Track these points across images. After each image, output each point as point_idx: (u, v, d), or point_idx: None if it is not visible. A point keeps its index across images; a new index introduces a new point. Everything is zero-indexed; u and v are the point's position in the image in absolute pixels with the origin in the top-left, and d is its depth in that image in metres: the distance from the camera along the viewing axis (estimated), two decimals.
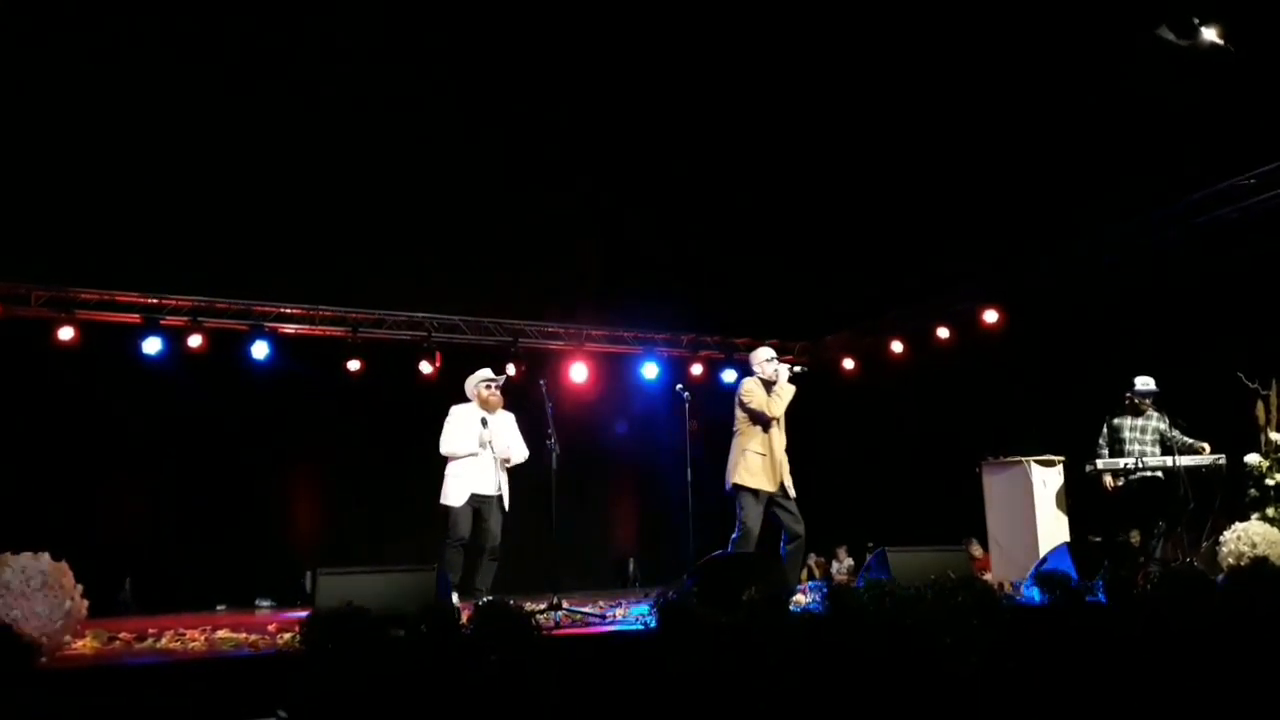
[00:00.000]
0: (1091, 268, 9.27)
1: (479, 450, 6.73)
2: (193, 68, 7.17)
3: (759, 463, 6.48)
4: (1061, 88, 7.55)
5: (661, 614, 3.99)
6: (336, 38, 7.04)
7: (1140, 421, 7.67)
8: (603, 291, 10.47)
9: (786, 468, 6.56)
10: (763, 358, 6.83)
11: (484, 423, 6.77)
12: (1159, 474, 7.44)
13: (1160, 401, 7.67)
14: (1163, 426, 7.62)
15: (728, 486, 6.57)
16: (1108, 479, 7.58)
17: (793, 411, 6.70)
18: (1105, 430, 7.81)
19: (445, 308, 10.59)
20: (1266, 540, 6.59)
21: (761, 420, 6.56)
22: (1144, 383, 7.68)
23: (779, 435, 6.64)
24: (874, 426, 11.44)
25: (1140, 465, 7.38)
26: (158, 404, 9.52)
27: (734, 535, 6.44)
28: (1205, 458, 7.25)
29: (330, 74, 7.28)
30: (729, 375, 12.02)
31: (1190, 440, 7.46)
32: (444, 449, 6.82)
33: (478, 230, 9.08)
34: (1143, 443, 7.62)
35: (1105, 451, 7.73)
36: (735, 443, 6.63)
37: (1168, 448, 7.47)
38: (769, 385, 6.64)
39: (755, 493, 6.43)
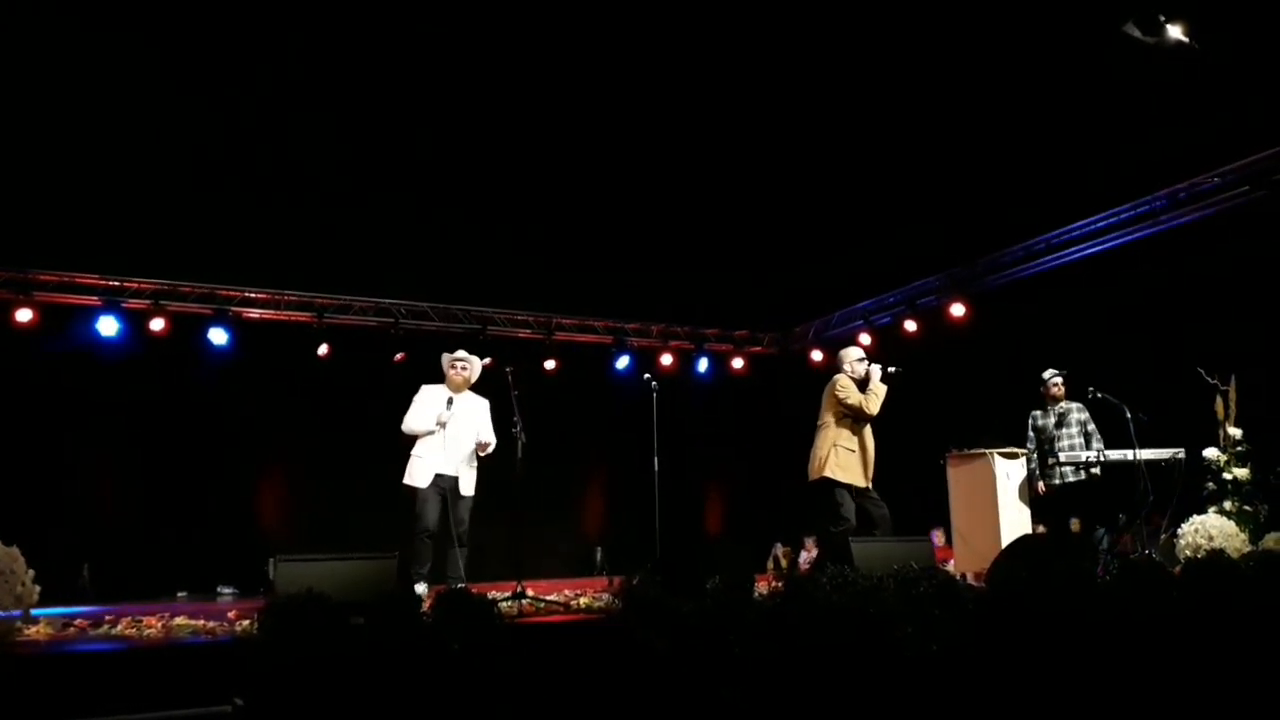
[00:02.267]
0: (1056, 263, 9.38)
1: (435, 428, 6.63)
2: (157, 48, 7.05)
3: (851, 459, 6.73)
4: (1029, 85, 7.60)
5: (625, 601, 3.98)
6: (303, 20, 6.94)
7: (1062, 414, 7.80)
8: (573, 280, 10.43)
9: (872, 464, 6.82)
10: (854, 357, 7.02)
11: (449, 402, 6.67)
12: (1093, 471, 7.54)
13: (1109, 390, 7.76)
14: (1084, 417, 7.76)
15: (814, 477, 6.75)
16: (1040, 484, 7.73)
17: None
18: (1030, 429, 7.95)
19: (413, 294, 10.51)
20: (1223, 533, 6.71)
21: (858, 417, 6.74)
22: (1050, 373, 7.86)
23: (870, 433, 6.87)
24: None
25: (1102, 458, 7.46)
26: (118, 388, 9.37)
27: (834, 528, 6.60)
28: (1165, 451, 7.34)
29: (297, 55, 7.18)
30: (700, 365, 12.07)
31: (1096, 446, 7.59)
32: (404, 426, 6.77)
33: (447, 215, 9.01)
34: (1071, 437, 7.74)
35: (1034, 450, 7.88)
36: (824, 436, 6.82)
37: (1090, 437, 7.65)
38: (861, 384, 6.82)
39: (848, 487, 6.66)
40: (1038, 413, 7.98)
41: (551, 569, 10.13)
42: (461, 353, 7.00)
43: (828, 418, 6.85)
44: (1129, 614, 4.59)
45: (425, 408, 6.75)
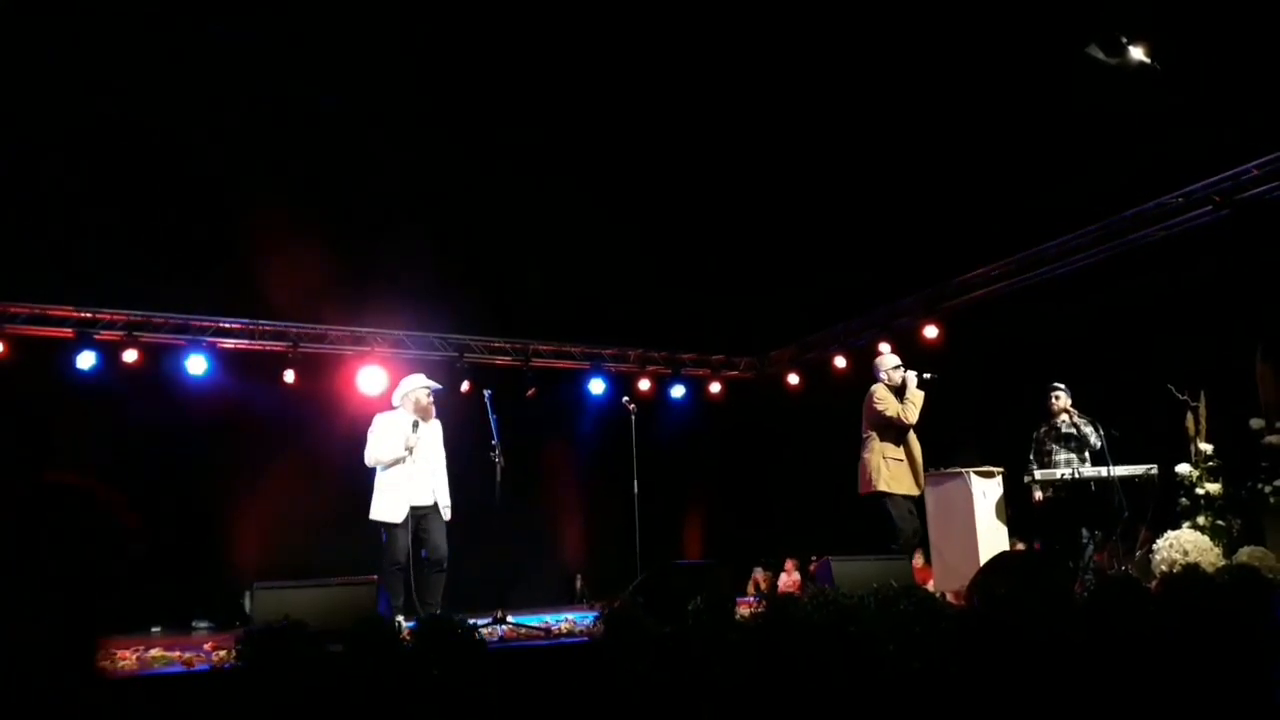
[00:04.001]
0: (1026, 282, 9.51)
1: (404, 454, 6.39)
2: (130, 75, 7.04)
3: (900, 468, 6.76)
4: (998, 107, 7.72)
5: (606, 624, 3.97)
6: (272, 46, 6.97)
7: (1052, 428, 7.84)
8: (549, 306, 10.44)
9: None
10: (889, 365, 7.04)
11: (415, 426, 6.43)
12: (1089, 483, 7.56)
13: (1081, 407, 7.79)
14: (1086, 431, 7.74)
15: (865, 491, 6.77)
16: (1036, 492, 7.73)
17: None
18: (1033, 440, 7.98)
19: (389, 321, 10.48)
20: (1197, 548, 6.77)
21: (897, 426, 6.71)
22: (1052, 386, 7.90)
23: (915, 439, 6.87)
24: (819, 440, 11.54)
25: (1076, 475, 7.50)
26: (91, 420, 9.24)
27: (894, 545, 6.60)
28: (1138, 468, 7.39)
29: (268, 79, 7.19)
30: (677, 391, 12.09)
31: (1098, 432, 7.55)
32: (369, 458, 6.52)
33: (422, 242, 9.00)
34: (1054, 452, 7.77)
35: (1035, 465, 7.89)
36: (870, 448, 6.82)
37: (1093, 453, 7.64)
38: (897, 391, 6.82)
39: (904, 496, 6.69)
40: (1041, 427, 7.99)
41: (531, 599, 10.05)
42: (425, 378, 6.76)
43: (870, 430, 6.87)
44: (1107, 628, 4.62)
45: (389, 435, 6.48)
